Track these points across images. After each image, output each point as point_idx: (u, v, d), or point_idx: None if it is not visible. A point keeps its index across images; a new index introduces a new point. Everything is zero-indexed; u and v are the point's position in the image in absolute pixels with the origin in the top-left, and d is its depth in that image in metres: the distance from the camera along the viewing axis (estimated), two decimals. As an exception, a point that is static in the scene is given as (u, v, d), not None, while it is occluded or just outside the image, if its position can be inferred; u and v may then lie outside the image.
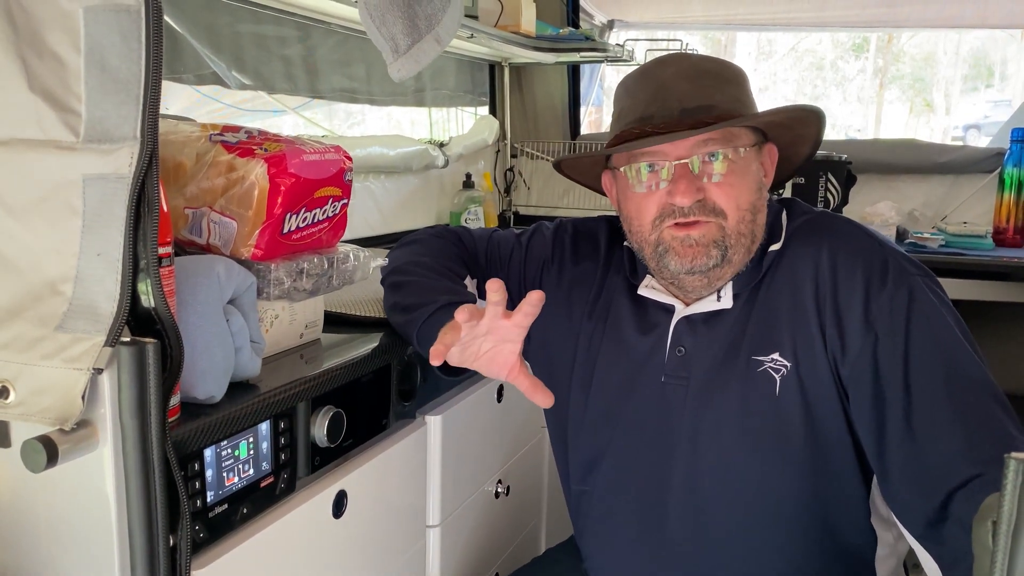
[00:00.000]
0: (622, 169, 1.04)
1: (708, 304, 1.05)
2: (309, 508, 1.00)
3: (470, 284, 1.22)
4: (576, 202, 2.84)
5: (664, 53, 1.11)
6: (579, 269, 1.19)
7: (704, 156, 0.99)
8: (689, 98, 1.00)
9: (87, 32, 0.71)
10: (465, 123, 2.83)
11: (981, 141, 10.11)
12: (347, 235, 1.17)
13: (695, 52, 1.16)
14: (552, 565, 1.31)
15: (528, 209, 2.91)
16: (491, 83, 2.85)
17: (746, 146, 1.01)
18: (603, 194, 1.18)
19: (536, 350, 1.22)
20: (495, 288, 0.88)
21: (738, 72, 1.05)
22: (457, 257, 1.24)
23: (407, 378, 1.24)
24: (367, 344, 1.15)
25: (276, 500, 0.98)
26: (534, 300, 0.88)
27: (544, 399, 0.95)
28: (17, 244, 0.75)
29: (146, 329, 0.76)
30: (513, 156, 2.92)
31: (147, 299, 0.75)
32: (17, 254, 0.75)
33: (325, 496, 1.04)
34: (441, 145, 2.51)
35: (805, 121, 1.04)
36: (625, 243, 1.16)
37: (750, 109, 1.04)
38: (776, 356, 1.00)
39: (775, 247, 1.05)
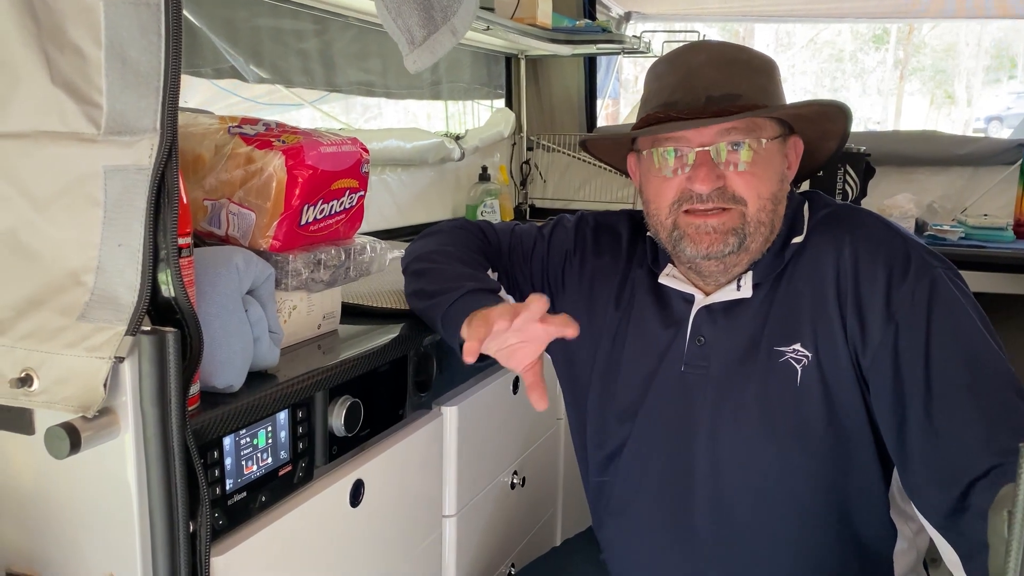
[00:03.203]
0: (646, 152, 1.05)
1: (728, 293, 1.05)
2: (327, 497, 1.02)
3: (492, 276, 1.23)
4: (592, 195, 2.84)
5: (684, 43, 1.11)
6: (601, 262, 1.19)
7: (727, 144, 0.99)
8: (716, 86, 1.00)
9: (107, 26, 0.72)
10: (481, 116, 2.83)
11: (1003, 133, 10.01)
12: (363, 228, 1.17)
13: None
14: (570, 555, 1.32)
15: (544, 202, 2.92)
16: (507, 76, 2.85)
17: (770, 137, 1.01)
18: (626, 175, 1.19)
19: (557, 343, 1.22)
20: (539, 304, 0.90)
21: (768, 62, 1.05)
22: (480, 250, 1.25)
23: (423, 369, 1.25)
24: (384, 335, 1.16)
25: (294, 489, 0.99)
26: (568, 331, 0.93)
27: (538, 401, 0.97)
28: (40, 235, 0.76)
29: (166, 319, 0.77)
30: (529, 149, 2.92)
31: (167, 289, 0.76)
32: (40, 245, 0.76)
33: (342, 485, 1.05)
34: (457, 138, 2.51)
35: (832, 116, 1.04)
36: (648, 234, 1.16)
37: (777, 100, 1.04)
38: (797, 346, 1.00)
39: (797, 239, 1.04)
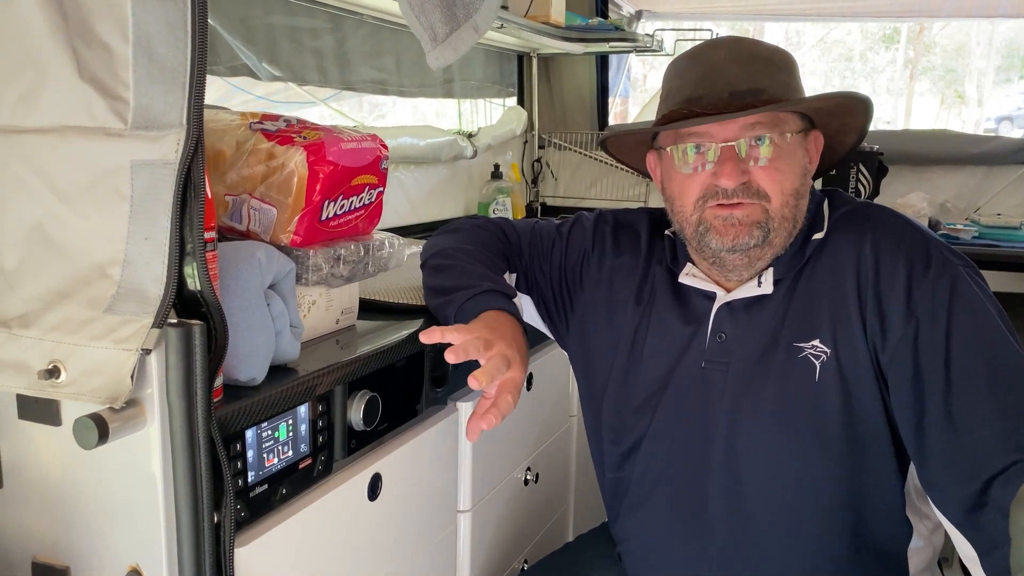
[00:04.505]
0: (668, 149, 1.05)
1: (749, 290, 1.06)
2: (345, 490, 1.02)
3: (509, 279, 1.24)
4: (603, 193, 2.84)
5: (701, 41, 1.11)
6: (620, 261, 1.19)
7: (751, 139, 0.99)
8: (739, 81, 1.00)
9: (135, 21, 0.73)
10: (493, 114, 2.83)
11: (1014, 133, 9.97)
12: (378, 225, 1.18)
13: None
14: (582, 551, 1.32)
15: (555, 200, 2.92)
16: (519, 74, 2.85)
17: (793, 132, 1.02)
18: (645, 174, 1.19)
19: (575, 340, 1.23)
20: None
21: (787, 57, 1.05)
22: (499, 251, 1.25)
23: (439, 365, 1.26)
24: (401, 330, 1.17)
25: (314, 481, 0.99)
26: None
27: (472, 430, 0.98)
28: (67, 229, 0.77)
29: (192, 312, 0.78)
30: (541, 147, 2.93)
31: (193, 282, 0.77)
32: (67, 238, 0.77)
33: (361, 479, 1.05)
34: (470, 136, 2.52)
35: (852, 110, 1.05)
36: (667, 232, 1.16)
37: (799, 95, 1.04)
38: (816, 343, 1.00)
39: (818, 236, 1.05)
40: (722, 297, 1.08)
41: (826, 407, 0.99)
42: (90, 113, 0.75)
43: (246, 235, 1.03)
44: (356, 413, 1.05)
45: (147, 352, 0.75)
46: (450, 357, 0.94)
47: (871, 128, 1.11)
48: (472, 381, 0.94)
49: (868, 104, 1.03)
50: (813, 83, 12.44)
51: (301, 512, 0.95)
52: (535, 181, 2.93)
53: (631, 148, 1.19)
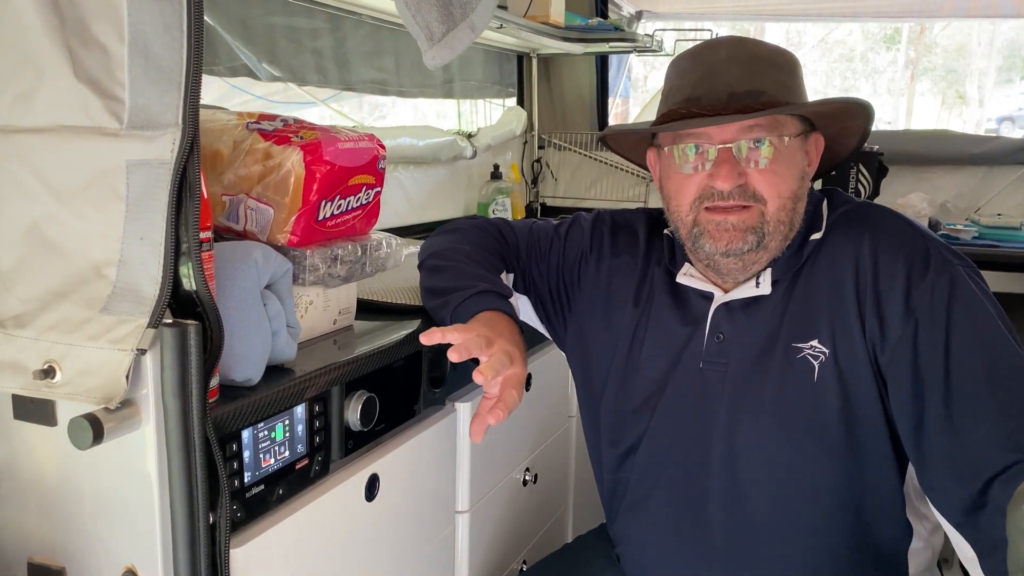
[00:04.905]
0: (667, 148, 1.05)
1: (747, 290, 1.05)
2: (342, 491, 1.02)
3: (506, 279, 1.24)
4: (603, 193, 2.84)
5: (703, 40, 1.10)
6: (619, 261, 1.19)
7: (749, 142, 0.99)
8: (738, 82, 1.00)
9: (131, 22, 0.73)
10: (492, 114, 2.83)
11: (1016, 133, 9.96)
12: (377, 226, 1.18)
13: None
14: (581, 552, 1.32)
15: (555, 200, 2.92)
16: (519, 74, 2.85)
17: (792, 135, 1.01)
18: (645, 168, 1.19)
19: (573, 341, 1.23)
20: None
21: (790, 59, 1.05)
22: (496, 251, 1.25)
23: (437, 365, 1.26)
24: (398, 331, 1.17)
25: (311, 482, 0.99)
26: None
27: (477, 431, 0.99)
28: (63, 229, 0.77)
29: (187, 312, 0.78)
30: (541, 147, 2.93)
31: (188, 282, 0.77)
32: (63, 238, 0.77)
33: (358, 479, 1.05)
34: (469, 136, 2.52)
35: (853, 113, 1.04)
36: (665, 231, 1.16)
37: (800, 97, 1.04)
38: (815, 343, 1.00)
39: (816, 236, 1.05)
40: (720, 297, 1.08)
41: (825, 407, 0.99)
42: (86, 113, 0.75)
43: (243, 235, 1.03)
44: (353, 413, 1.05)
45: (142, 352, 0.75)
46: (453, 356, 0.94)
47: (871, 129, 1.10)
48: (477, 375, 0.94)
49: (869, 109, 1.02)
50: (814, 83, 12.43)
51: (298, 513, 0.94)
52: (535, 181, 2.93)
53: (632, 144, 1.19)
